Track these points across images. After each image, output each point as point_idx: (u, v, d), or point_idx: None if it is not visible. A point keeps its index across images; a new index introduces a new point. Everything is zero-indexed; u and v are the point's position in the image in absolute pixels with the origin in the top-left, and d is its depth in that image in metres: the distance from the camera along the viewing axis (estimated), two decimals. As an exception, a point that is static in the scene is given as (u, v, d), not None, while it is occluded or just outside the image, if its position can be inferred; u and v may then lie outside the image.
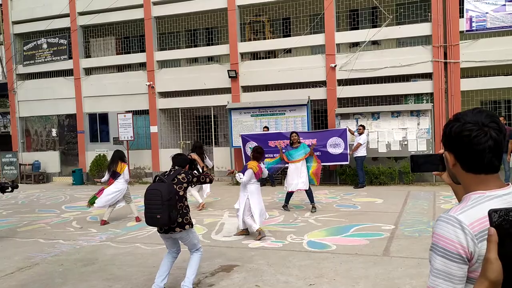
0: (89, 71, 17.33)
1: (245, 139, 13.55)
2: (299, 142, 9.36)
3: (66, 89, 17.30)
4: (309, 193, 9.14)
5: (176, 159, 5.21)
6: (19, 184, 8.39)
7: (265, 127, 13.89)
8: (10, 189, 4.08)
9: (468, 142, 1.39)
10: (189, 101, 15.80)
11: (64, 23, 17.22)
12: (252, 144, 13.21)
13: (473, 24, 12.54)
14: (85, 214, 10.09)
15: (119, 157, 8.97)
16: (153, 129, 16.24)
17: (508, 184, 1.43)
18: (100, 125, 17.18)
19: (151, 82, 16.01)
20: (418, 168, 1.71)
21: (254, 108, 14.24)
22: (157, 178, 4.91)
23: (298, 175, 9.04)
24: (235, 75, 14.71)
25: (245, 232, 7.35)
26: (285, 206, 9.43)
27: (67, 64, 17.37)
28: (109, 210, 8.89)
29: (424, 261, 5.65)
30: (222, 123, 16.01)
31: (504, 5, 12.20)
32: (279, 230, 7.70)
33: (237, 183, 13.80)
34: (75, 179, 16.34)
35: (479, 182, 1.41)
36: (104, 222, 8.78)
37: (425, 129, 12.54)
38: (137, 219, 8.86)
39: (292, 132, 9.57)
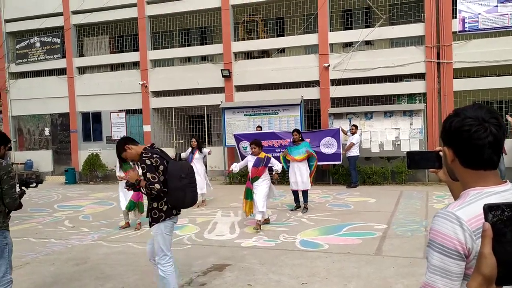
0: (82, 70, 17.24)
1: (238, 138, 13.54)
2: (301, 140, 9.33)
3: (59, 88, 17.20)
4: (304, 192, 9.14)
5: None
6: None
7: (258, 126, 13.89)
8: (34, 184, 4.02)
9: (468, 137, 1.38)
10: (182, 101, 15.77)
11: (57, 21, 17.12)
12: (245, 143, 13.23)
13: (466, 25, 12.61)
14: (77, 213, 10.04)
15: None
16: (146, 128, 16.19)
17: (506, 181, 1.43)
18: (93, 124, 17.09)
19: (145, 81, 15.96)
20: (415, 164, 1.70)
21: (247, 107, 14.23)
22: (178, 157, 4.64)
23: (299, 174, 9.02)
24: (228, 75, 14.70)
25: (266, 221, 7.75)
26: (297, 206, 9.37)
27: (60, 63, 17.27)
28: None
29: (417, 260, 5.68)
30: (216, 123, 15.99)
31: (496, 6, 12.28)
32: (272, 229, 7.71)
33: (230, 182, 13.86)
34: (68, 178, 16.25)
35: (478, 178, 1.40)
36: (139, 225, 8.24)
37: (418, 129, 12.60)
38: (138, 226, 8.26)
39: (294, 130, 9.58)
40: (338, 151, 12.65)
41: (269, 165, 7.79)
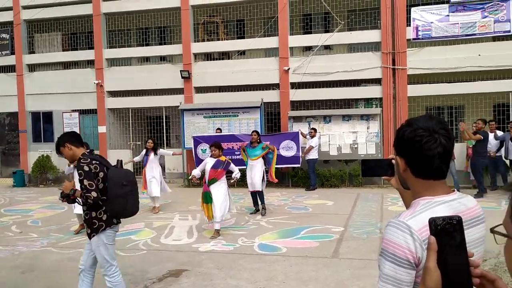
0: (32, 67, 16.52)
1: (197, 140, 13.37)
2: (258, 142, 9.34)
3: (7, 86, 16.37)
4: (260, 193, 9.11)
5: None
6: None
7: (218, 128, 13.78)
8: None
9: (419, 148, 1.41)
10: (140, 101, 15.40)
11: (6, 16, 16.32)
12: (204, 146, 13.09)
13: (419, 33, 13.03)
14: (25, 218, 9.55)
15: None
16: (101, 129, 15.69)
17: (454, 190, 1.47)
18: (44, 124, 16.38)
19: (100, 81, 15.47)
20: (369, 172, 1.74)
21: (207, 109, 14.09)
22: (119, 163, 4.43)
23: (252, 176, 9.01)
24: (188, 76, 14.50)
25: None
26: (256, 210, 9.27)
27: (9, 60, 16.46)
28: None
29: (372, 262, 5.75)
30: (174, 124, 15.73)
31: (448, 15, 12.76)
32: (230, 233, 7.62)
33: (189, 185, 13.64)
34: (16, 180, 15.47)
35: (428, 187, 1.44)
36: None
37: (374, 133, 12.89)
38: None
39: (253, 131, 9.60)
40: (297, 154, 12.74)
41: (229, 168, 7.65)
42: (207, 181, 7.40)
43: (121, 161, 4.31)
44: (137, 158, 10.35)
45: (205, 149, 13.20)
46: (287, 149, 12.82)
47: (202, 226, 8.11)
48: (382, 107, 13.27)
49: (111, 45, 15.95)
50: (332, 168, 13.18)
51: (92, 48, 15.78)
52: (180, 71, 14.46)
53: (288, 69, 13.89)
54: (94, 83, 15.52)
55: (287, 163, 12.86)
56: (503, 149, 11.06)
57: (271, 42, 14.31)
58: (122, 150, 15.46)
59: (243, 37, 15.42)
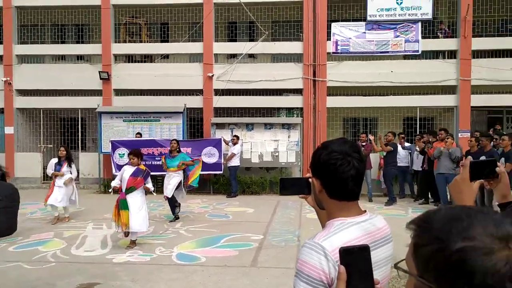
0: None
1: (115, 145, 12.83)
2: (178, 151, 9.17)
3: None
4: (170, 200, 8.91)
5: None
6: None
7: (138, 133, 13.33)
8: None
9: (334, 170, 1.46)
10: (53, 102, 14.45)
11: None
12: (122, 150, 12.60)
13: (339, 47, 13.66)
14: None
15: None
16: (8, 130, 14.49)
17: (365, 211, 1.53)
18: None
19: (8, 78, 14.31)
20: (286, 190, 1.76)
21: (127, 113, 13.58)
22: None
23: (169, 183, 8.86)
24: (107, 77, 13.90)
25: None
26: (176, 218, 9.05)
27: None
28: None
29: (289, 270, 5.85)
30: (91, 127, 14.97)
31: (364, 32, 13.52)
32: (147, 242, 7.36)
33: (105, 191, 13.01)
34: None
35: (342, 208, 1.49)
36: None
37: (295, 142, 13.23)
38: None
39: (173, 140, 9.39)
40: (219, 161, 12.71)
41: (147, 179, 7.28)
42: (124, 189, 7.04)
43: (3, 173, 3.86)
44: (48, 171, 9.23)
45: (123, 154, 12.70)
46: (209, 155, 12.74)
47: (117, 235, 7.74)
48: (302, 116, 13.68)
49: (22, 41, 14.84)
50: (254, 175, 13.31)
51: (1, 43, 14.57)
52: (99, 72, 13.83)
53: (212, 75, 13.85)
54: (2, 80, 14.33)
55: (209, 169, 12.77)
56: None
57: (195, 47, 14.18)
58: (32, 153, 14.42)
59: (167, 41, 15.13)
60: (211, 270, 5.88)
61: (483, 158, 7.55)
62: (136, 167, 7.16)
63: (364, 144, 11.50)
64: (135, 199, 7.02)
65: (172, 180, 8.85)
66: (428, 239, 0.76)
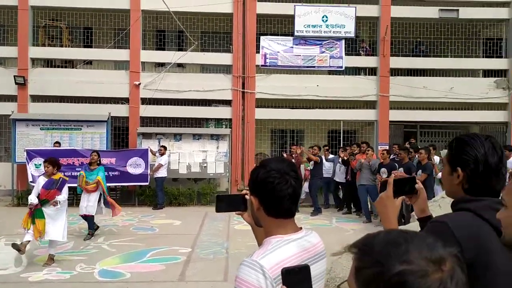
0: None
1: (31, 154, 11.97)
2: (98, 164, 8.68)
3: None
4: (89, 218, 8.41)
5: None
6: None
7: (57, 142, 12.54)
8: None
9: (272, 189, 1.48)
10: (-42, 107, 13.21)
11: None
12: (38, 160, 11.79)
13: (267, 60, 13.93)
14: None
15: None
16: None
17: (301, 228, 1.56)
18: None
19: None
20: (223, 207, 1.78)
21: (45, 120, 12.75)
22: None
23: (87, 199, 8.35)
24: (23, 82, 12.98)
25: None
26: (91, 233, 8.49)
27: None
28: None
29: (217, 283, 5.79)
30: (4, 135, 13.85)
31: (292, 47, 13.93)
32: (67, 258, 6.90)
33: (19, 204, 12.07)
34: None
35: (279, 225, 1.51)
36: None
37: (224, 153, 13.20)
38: None
39: (93, 151, 8.87)
40: (146, 171, 12.33)
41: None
42: (39, 200, 6.58)
43: None
44: None
45: (40, 164, 11.89)
46: (134, 166, 12.32)
47: (33, 252, 7.19)
48: (231, 127, 13.71)
49: None
50: (181, 187, 13.07)
51: None
52: (14, 76, 12.89)
53: (139, 84, 13.47)
54: None
55: (135, 181, 12.35)
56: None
57: (121, 54, 13.73)
58: None
59: (90, 46, 14.50)
60: (137, 286, 5.65)
61: (401, 169, 8.01)
62: (49, 178, 6.68)
63: (295, 156, 11.74)
64: (52, 210, 6.59)
65: (91, 197, 8.35)
66: (369, 262, 0.81)
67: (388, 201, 1.66)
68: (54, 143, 12.50)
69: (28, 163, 11.95)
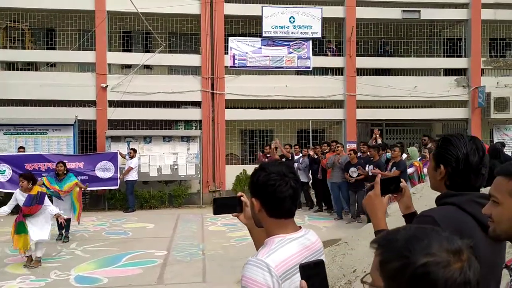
0: None
1: (-5, 161, 11.58)
2: (66, 173, 8.50)
3: None
4: (68, 222, 8.32)
5: None
6: None
7: (21, 147, 12.17)
8: None
9: (273, 191, 1.54)
10: None
11: None
12: (2, 166, 11.43)
13: (236, 61, 13.98)
14: None
15: None
16: None
17: (300, 227, 1.65)
18: None
19: None
20: (220, 210, 1.83)
21: (8, 125, 12.35)
22: None
23: (62, 203, 8.24)
24: (-16, 86, 12.52)
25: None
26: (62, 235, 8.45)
27: None
28: None
29: (196, 285, 5.81)
30: (-37, 141, 13.29)
31: (260, 48, 14.04)
32: (40, 266, 6.73)
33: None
34: None
35: (280, 226, 1.58)
36: None
37: (194, 154, 13.16)
38: None
39: (59, 162, 8.67)
40: (115, 175, 12.14)
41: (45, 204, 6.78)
42: (22, 214, 6.61)
43: None
44: None
45: (4, 170, 11.54)
46: (104, 170, 12.11)
47: (4, 260, 6.97)
48: (202, 129, 13.68)
49: None
50: (152, 189, 12.94)
51: None
52: (-26, 79, 12.42)
53: (106, 86, 13.24)
54: None
55: (104, 185, 12.14)
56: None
57: (87, 56, 13.44)
58: None
59: (54, 48, 14.13)
60: (115, 291, 5.59)
61: (371, 167, 8.21)
62: (28, 194, 6.64)
63: (268, 155, 11.86)
64: (36, 219, 6.65)
65: (67, 201, 8.25)
66: (394, 256, 0.89)
67: (376, 199, 1.77)
68: (19, 148, 12.13)
69: (-9, 170, 11.54)
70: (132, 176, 12.13)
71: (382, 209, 1.78)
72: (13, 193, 11.50)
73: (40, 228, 6.62)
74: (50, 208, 6.86)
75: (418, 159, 9.33)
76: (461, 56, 14.97)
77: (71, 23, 13.81)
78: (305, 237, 1.61)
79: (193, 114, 13.93)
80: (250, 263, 1.47)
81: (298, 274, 1.47)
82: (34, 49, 14.02)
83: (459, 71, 14.94)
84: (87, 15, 13.57)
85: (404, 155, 9.84)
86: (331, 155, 10.68)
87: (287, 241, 1.54)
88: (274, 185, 1.54)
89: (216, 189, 13.65)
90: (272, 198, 1.55)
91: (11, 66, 13.71)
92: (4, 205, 11.89)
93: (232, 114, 13.98)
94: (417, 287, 0.85)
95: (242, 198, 1.82)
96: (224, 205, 1.84)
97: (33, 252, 6.65)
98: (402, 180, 1.89)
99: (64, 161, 9.03)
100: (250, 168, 13.48)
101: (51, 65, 13.65)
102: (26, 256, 6.67)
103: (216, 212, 1.82)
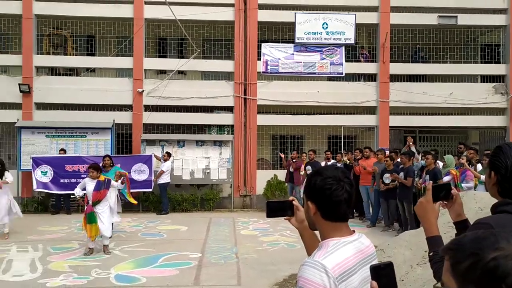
0: None
1: (37, 162, 12.09)
2: (111, 166, 9.24)
3: None
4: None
5: None
6: None
7: (62, 149, 12.67)
8: None
9: (329, 195, 1.61)
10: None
11: None
12: (45, 168, 11.93)
13: (268, 67, 14.12)
14: None
15: None
16: None
17: (354, 231, 1.71)
18: None
19: None
20: (272, 213, 1.88)
21: (50, 128, 12.87)
22: None
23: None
24: (28, 90, 13.09)
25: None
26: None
27: None
28: None
29: (231, 287, 5.91)
30: (8, 143, 13.92)
31: (293, 54, 14.13)
32: (81, 264, 7.03)
33: (24, 211, 12.12)
34: None
35: (335, 229, 1.64)
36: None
37: (226, 159, 13.35)
38: None
39: (106, 156, 9.54)
40: (150, 178, 12.46)
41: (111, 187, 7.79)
42: (90, 202, 7.51)
43: None
44: None
45: (46, 171, 12.04)
46: (139, 172, 12.45)
47: (47, 258, 7.29)
48: (233, 133, 13.86)
49: None
50: (184, 193, 13.20)
51: None
52: (19, 84, 13.00)
53: (142, 91, 13.61)
54: None
55: (139, 187, 12.45)
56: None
57: (124, 62, 13.87)
58: None
59: (94, 54, 14.65)
60: (153, 290, 5.77)
61: (401, 174, 8.17)
62: (97, 180, 7.59)
63: (294, 160, 11.94)
64: (104, 210, 7.61)
65: (112, 196, 8.58)
66: (464, 256, 0.95)
67: (428, 205, 1.83)
68: (60, 150, 12.62)
69: (34, 171, 12.05)
70: (164, 179, 12.40)
71: (434, 215, 1.83)
72: (53, 193, 12.16)
73: (106, 225, 7.61)
74: (116, 184, 7.98)
75: (455, 167, 9.19)
76: (499, 63, 14.62)
77: (110, 30, 14.29)
78: (359, 241, 1.66)
79: (225, 119, 14.13)
80: (307, 264, 1.51)
81: (354, 277, 1.55)
82: (75, 55, 14.55)
83: (497, 77, 14.60)
84: (125, 22, 14.01)
85: (441, 163, 9.71)
86: (363, 162, 10.65)
87: (342, 244, 1.59)
88: (330, 189, 1.61)
89: (247, 193, 13.79)
90: (328, 202, 1.61)
91: (53, 71, 14.29)
92: (45, 206, 12.53)
93: (264, 120, 14.11)
94: (489, 281, 0.89)
95: (294, 202, 1.89)
96: (277, 208, 1.89)
97: (96, 242, 7.72)
98: (452, 187, 1.95)
99: (110, 155, 9.91)
100: (280, 173, 13.59)
101: (91, 71, 14.15)
102: (89, 248, 7.58)
103: (269, 215, 1.87)
